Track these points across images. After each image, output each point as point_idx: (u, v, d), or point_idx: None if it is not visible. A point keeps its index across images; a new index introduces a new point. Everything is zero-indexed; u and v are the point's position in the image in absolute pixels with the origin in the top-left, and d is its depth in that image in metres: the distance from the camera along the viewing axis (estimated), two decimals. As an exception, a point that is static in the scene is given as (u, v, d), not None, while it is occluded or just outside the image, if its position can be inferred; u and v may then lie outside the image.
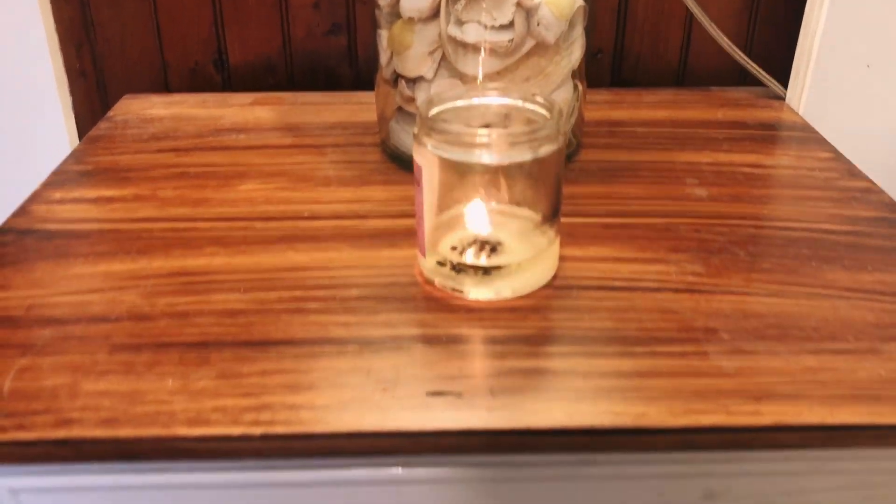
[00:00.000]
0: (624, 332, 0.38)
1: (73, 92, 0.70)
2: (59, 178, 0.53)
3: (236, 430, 0.32)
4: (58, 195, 0.51)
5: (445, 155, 0.37)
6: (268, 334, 0.38)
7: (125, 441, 0.32)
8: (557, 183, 0.40)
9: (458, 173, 0.39)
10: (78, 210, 0.49)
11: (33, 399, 0.34)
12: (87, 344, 0.37)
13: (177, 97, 0.67)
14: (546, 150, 0.37)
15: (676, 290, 0.41)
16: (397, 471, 0.35)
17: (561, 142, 0.38)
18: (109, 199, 0.50)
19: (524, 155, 0.37)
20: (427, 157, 0.38)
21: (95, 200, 0.50)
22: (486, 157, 0.37)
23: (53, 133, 0.69)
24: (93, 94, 0.71)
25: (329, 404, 0.33)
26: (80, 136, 0.71)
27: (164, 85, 0.71)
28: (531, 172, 0.38)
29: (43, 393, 0.34)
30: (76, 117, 0.71)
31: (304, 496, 0.36)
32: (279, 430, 0.32)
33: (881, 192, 0.50)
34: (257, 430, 0.32)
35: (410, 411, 0.33)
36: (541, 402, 0.33)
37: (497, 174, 0.39)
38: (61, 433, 0.32)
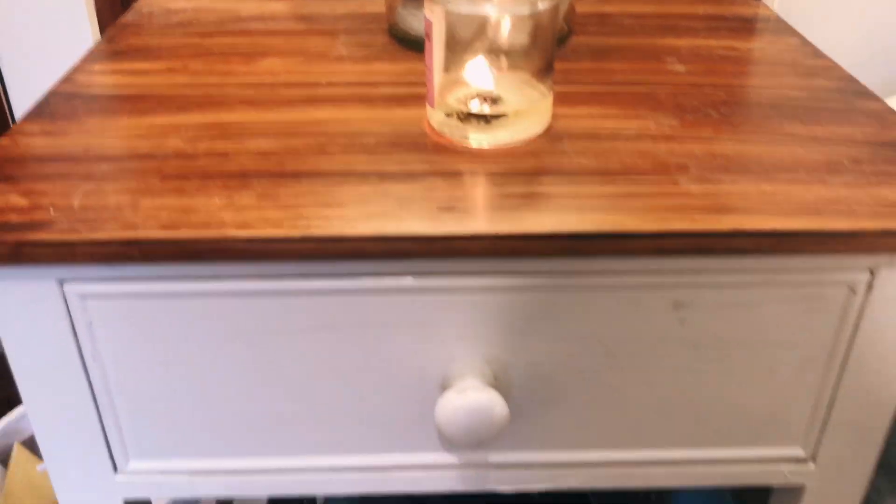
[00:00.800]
0: (607, 167, 0.43)
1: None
2: (95, 56, 0.58)
3: (279, 233, 0.38)
4: (97, 67, 0.56)
5: (453, 8, 0.42)
6: (299, 168, 0.43)
7: (184, 241, 0.38)
8: (551, 40, 0.45)
9: (463, 30, 0.44)
10: (117, 79, 0.54)
11: (101, 211, 0.39)
12: (141, 174, 0.43)
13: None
14: (543, 5, 0.43)
15: (654, 138, 0.46)
16: (408, 280, 0.41)
17: (555, 8, 0.44)
18: (145, 71, 0.55)
19: (523, 9, 0.42)
20: (437, 13, 0.43)
21: (132, 72, 0.55)
22: (490, 9, 0.42)
23: (77, 26, 0.74)
24: (113, -8, 0.75)
25: (356, 217, 0.39)
26: (101, 30, 0.75)
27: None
28: (528, 29, 0.44)
29: (108, 208, 0.40)
30: (98, 13, 0.75)
31: (332, 303, 0.42)
32: (315, 232, 0.38)
33: (841, 69, 0.56)
34: (297, 233, 0.38)
35: (425, 221, 0.39)
36: (535, 215, 0.39)
37: (497, 31, 0.44)
38: (129, 234, 0.38)
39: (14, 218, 0.39)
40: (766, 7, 0.69)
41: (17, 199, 0.40)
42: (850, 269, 0.42)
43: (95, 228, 0.38)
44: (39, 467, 0.82)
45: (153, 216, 0.39)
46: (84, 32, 0.73)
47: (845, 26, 0.70)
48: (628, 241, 0.39)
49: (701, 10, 0.68)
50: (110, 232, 0.38)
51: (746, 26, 0.64)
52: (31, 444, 0.84)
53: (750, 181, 0.42)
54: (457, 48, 0.45)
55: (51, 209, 0.39)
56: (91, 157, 0.44)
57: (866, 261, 0.41)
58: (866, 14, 0.71)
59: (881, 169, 0.43)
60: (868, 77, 0.65)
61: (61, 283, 0.41)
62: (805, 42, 0.61)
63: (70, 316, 0.42)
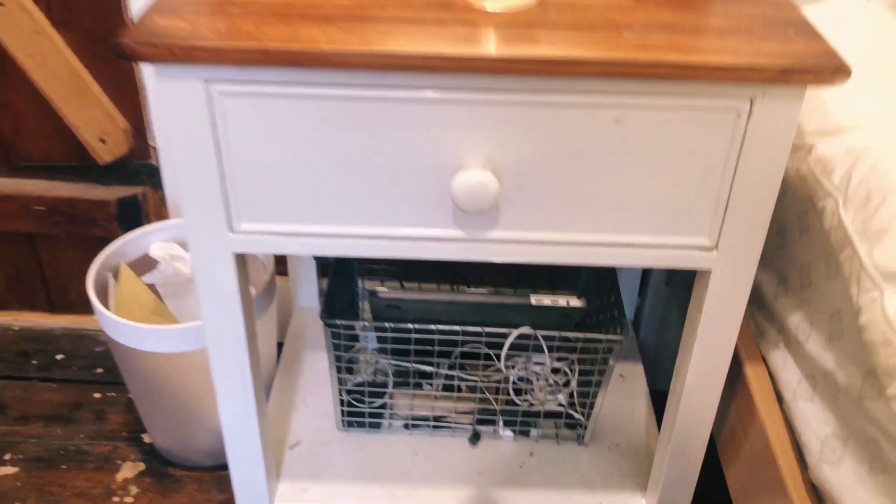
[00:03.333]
0: (576, 24, 0.63)
1: None
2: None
3: (352, 48, 0.58)
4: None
5: None
6: (366, 15, 0.63)
7: (291, 51, 0.58)
8: (543, -65, 0.64)
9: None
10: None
11: (237, 33, 0.60)
12: (261, 15, 0.63)
13: None
14: None
15: (614, 9, 0.66)
16: (432, 93, 0.61)
17: None
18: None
19: (523, -90, 0.62)
20: (465, -88, 0.63)
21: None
22: None
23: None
24: None
25: (403, 43, 0.59)
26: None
27: None
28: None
29: (241, 32, 0.60)
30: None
31: (384, 108, 0.62)
32: (375, 49, 0.58)
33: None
34: (364, 48, 0.58)
35: (449, 47, 0.59)
36: (523, 46, 0.59)
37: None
38: (255, 44, 0.58)
39: (181, 33, 0.59)
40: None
41: (181, 24, 0.61)
42: (735, 98, 0.61)
43: (233, 41, 0.59)
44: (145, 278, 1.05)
45: (272, 37, 0.59)
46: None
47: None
48: (583, 66, 0.59)
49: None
50: (243, 43, 0.59)
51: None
52: (133, 265, 1.06)
53: (673, 36, 0.62)
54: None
55: (204, 29, 0.60)
56: (228, 2, 0.65)
57: (746, 91, 0.61)
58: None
59: (766, 33, 0.63)
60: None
61: (207, 82, 0.61)
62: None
63: (211, 106, 0.63)
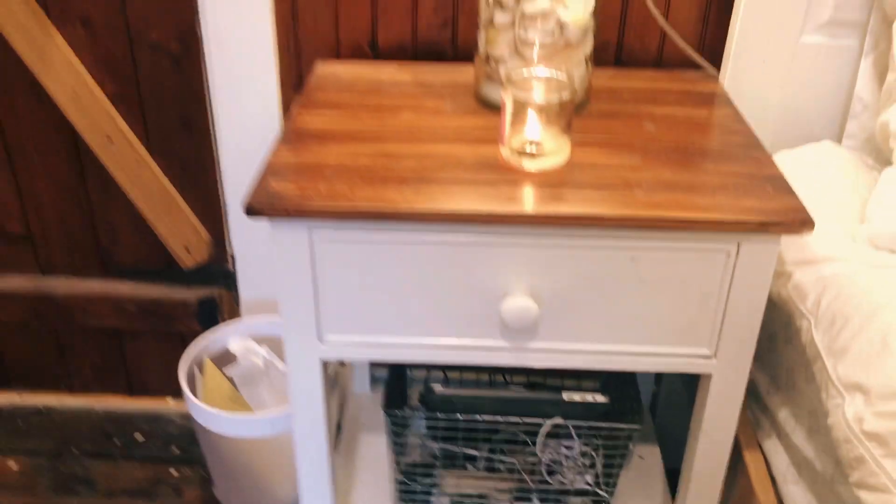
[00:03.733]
0: (597, 183, 0.80)
1: (280, 59, 1.14)
2: (299, 106, 0.97)
3: (422, 208, 0.76)
4: (304, 114, 0.95)
5: (516, 94, 0.80)
6: (429, 176, 0.81)
7: (375, 211, 0.76)
8: (571, 110, 0.82)
9: (521, 104, 0.81)
10: (320, 122, 0.93)
11: (332, 194, 0.77)
12: (349, 176, 0.81)
13: (348, 63, 1.10)
14: (565, 95, 0.80)
15: (626, 168, 0.83)
16: (490, 237, 0.78)
17: (573, 93, 0.81)
18: (334, 117, 0.94)
19: (554, 97, 0.80)
20: (508, 94, 0.81)
21: (326, 117, 0.94)
22: (537, 96, 0.80)
23: (266, 91, 1.13)
24: (292, 61, 1.14)
25: (462, 201, 0.77)
26: (283, 86, 1.15)
27: (337, 55, 1.14)
28: (557, 107, 0.81)
29: (336, 192, 0.78)
30: (281, 74, 1.14)
31: (449, 250, 0.79)
32: (440, 208, 0.76)
33: (750, 130, 0.92)
34: (431, 207, 0.76)
35: (498, 206, 0.76)
36: (556, 205, 0.76)
37: (541, 106, 0.81)
38: (347, 206, 0.76)
39: (292, 196, 0.77)
40: (719, 85, 1.05)
41: (291, 187, 0.79)
42: (725, 242, 0.78)
43: (332, 202, 0.76)
44: (226, 371, 1.21)
45: (362, 198, 0.77)
46: (271, 94, 1.13)
47: (770, 95, 1.06)
48: (603, 221, 0.76)
49: (676, 86, 1.04)
50: (340, 204, 0.76)
51: (703, 99, 1.01)
52: (216, 360, 1.23)
53: (674, 194, 0.79)
54: (517, 112, 0.82)
55: (310, 192, 0.78)
56: (322, 166, 0.83)
57: (734, 238, 0.77)
58: (784, 88, 1.07)
59: (749, 189, 0.80)
60: (781, 129, 1.02)
61: (310, 229, 0.79)
62: (736, 112, 0.97)
63: (312, 248, 0.80)
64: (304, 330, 0.85)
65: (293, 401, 0.91)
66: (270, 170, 0.82)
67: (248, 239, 1.26)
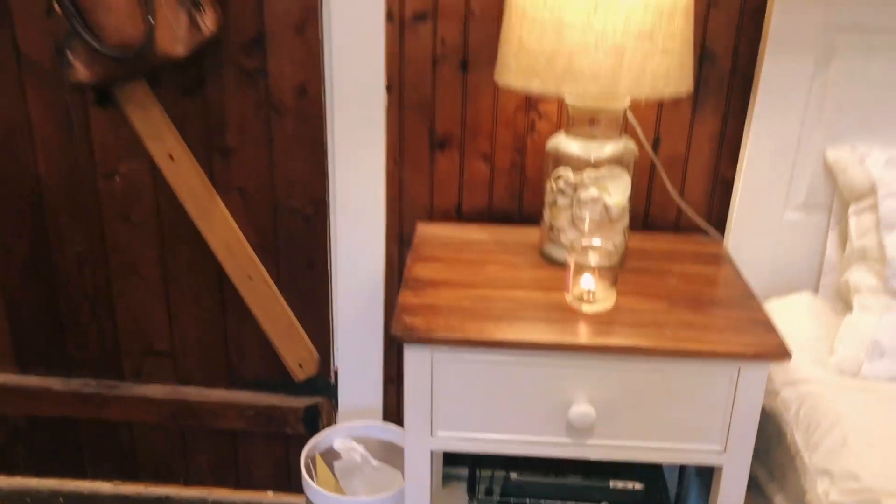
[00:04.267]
0: (635, 322, 1.13)
1: (388, 219, 1.50)
2: (412, 260, 1.31)
3: (508, 338, 1.08)
4: (417, 267, 1.29)
5: (577, 258, 1.14)
6: (510, 314, 1.14)
7: (479, 340, 1.08)
8: (616, 271, 1.16)
9: (580, 265, 1.15)
10: (429, 272, 1.27)
11: (446, 327, 1.10)
12: (456, 313, 1.14)
13: (440, 224, 1.46)
14: (612, 260, 1.14)
15: (656, 312, 1.16)
16: (557, 359, 1.10)
17: (618, 259, 1.15)
18: (437, 269, 1.28)
19: (605, 262, 1.14)
20: (571, 258, 1.15)
21: (432, 269, 1.28)
22: (592, 260, 1.14)
23: (375, 242, 1.49)
24: (396, 220, 1.50)
25: (535, 334, 1.09)
26: (388, 240, 1.50)
27: (430, 217, 1.50)
28: (606, 271, 1.15)
29: (449, 325, 1.11)
30: (387, 231, 1.50)
31: (528, 370, 1.11)
32: (523, 339, 1.08)
33: (746, 285, 1.25)
34: (515, 338, 1.08)
35: (564, 337, 1.09)
36: (606, 338, 1.09)
37: (595, 268, 1.15)
38: (459, 335, 1.08)
39: (422, 328, 1.10)
40: (723, 247, 1.39)
41: (420, 321, 1.12)
42: (729, 367, 1.09)
43: (450, 333, 1.09)
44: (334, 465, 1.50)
45: (470, 331, 1.10)
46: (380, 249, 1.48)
47: (762, 256, 1.40)
48: (642, 351, 1.08)
49: (690, 248, 1.38)
50: (455, 335, 1.09)
51: (711, 259, 1.35)
52: (325, 455, 1.52)
53: (693, 332, 1.11)
54: (577, 270, 1.16)
55: (434, 326, 1.10)
56: (438, 306, 1.16)
57: (735, 364, 1.09)
58: (773, 251, 1.40)
59: (746, 329, 1.12)
60: (770, 283, 1.35)
61: (432, 351, 1.11)
62: (736, 269, 1.31)
63: (431, 364, 1.12)
64: (421, 426, 1.16)
65: (408, 482, 1.20)
66: (402, 309, 1.16)
67: (349, 358, 1.58)
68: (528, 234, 1.42)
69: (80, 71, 1.27)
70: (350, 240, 1.50)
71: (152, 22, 1.23)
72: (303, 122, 1.46)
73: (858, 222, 1.26)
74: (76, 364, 1.67)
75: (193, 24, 1.28)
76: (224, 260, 1.54)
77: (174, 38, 1.26)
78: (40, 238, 1.57)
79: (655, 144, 1.43)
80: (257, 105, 1.45)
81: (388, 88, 1.41)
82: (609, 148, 1.24)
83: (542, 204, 1.32)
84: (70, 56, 1.26)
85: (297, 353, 1.61)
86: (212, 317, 1.62)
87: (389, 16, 1.37)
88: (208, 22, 1.29)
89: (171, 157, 1.47)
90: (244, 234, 1.54)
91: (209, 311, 1.61)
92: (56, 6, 1.25)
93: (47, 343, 1.66)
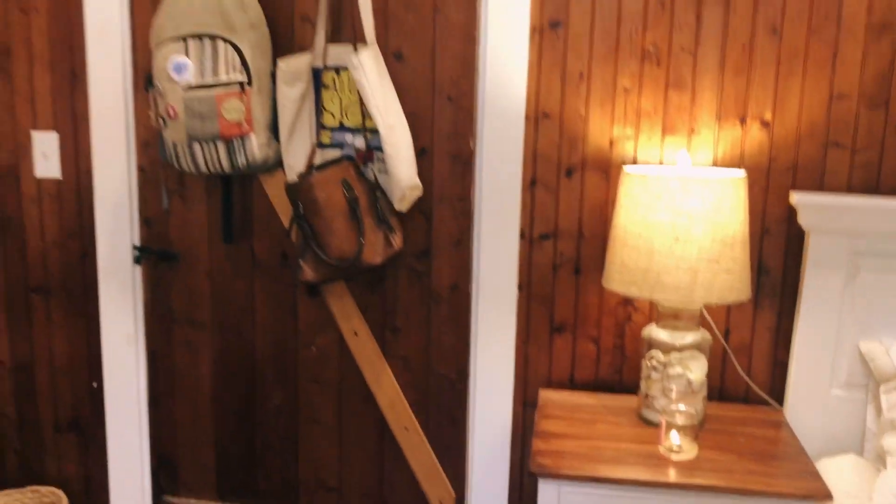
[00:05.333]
0: (713, 466, 1.51)
1: (515, 386, 1.94)
2: (540, 417, 1.74)
3: (640, 476, 1.48)
4: (546, 423, 1.71)
5: (667, 419, 1.55)
6: (624, 457, 1.54)
7: (610, 478, 1.49)
8: (697, 430, 1.56)
9: (670, 424, 1.55)
10: (558, 427, 1.69)
11: (572, 466, 1.51)
12: (584, 458, 1.55)
13: (556, 391, 1.89)
14: (694, 421, 1.55)
15: (727, 461, 1.54)
16: (653, 496, 1.49)
17: (698, 421, 1.55)
18: (568, 424, 1.70)
19: (688, 422, 1.54)
20: (663, 420, 1.55)
21: (562, 424, 1.70)
22: (679, 420, 1.54)
23: (504, 410, 1.92)
24: (521, 387, 1.94)
25: (643, 472, 1.49)
26: (514, 403, 1.93)
27: (549, 385, 1.93)
28: (690, 427, 1.55)
29: (577, 465, 1.51)
30: (514, 396, 1.93)
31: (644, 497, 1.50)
32: (638, 477, 1.48)
33: (798, 443, 1.62)
34: (626, 476, 1.48)
35: (661, 477, 1.48)
36: (689, 479, 1.47)
37: (680, 426, 1.55)
38: (587, 472, 1.49)
39: (549, 465, 1.51)
40: (783, 415, 1.77)
41: (548, 462, 1.53)
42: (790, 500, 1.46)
43: (571, 471, 1.50)
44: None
45: (585, 469, 1.50)
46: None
47: (815, 424, 1.76)
48: (717, 489, 1.45)
49: (756, 415, 1.77)
50: (577, 472, 1.49)
51: (772, 424, 1.72)
52: (461, 576, 1.88)
53: (757, 476, 1.48)
54: (668, 428, 1.56)
55: (558, 465, 1.51)
56: (561, 451, 1.57)
57: (789, 502, 1.45)
58: (823, 418, 1.77)
59: (799, 479, 1.48)
60: (822, 445, 1.71)
61: (559, 486, 1.51)
62: (792, 434, 1.68)
63: (559, 496, 1.52)
64: (549, 544, 1.54)
65: (537, 589, 1.56)
66: (536, 453, 1.57)
67: (481, 498, 1.97)
68: (628, 400, 1.83)
69: (308, 273, 1.80)
70: (485, 401, 1.94)
71: (362, 241, 1.76)
72: (453, 309, 1.95)
73: (888, 399, 1.63)
74: (263, 494, 2.12)
75: (387, 242, 1.81)
76: (387, 414, 2.00)
77: (375, 252, 1.79)
78: (248, 393, 2.07)
79: (726, 334, 1.85)
80: (421, 296, 1.96)
81: (520, 287, 1.90)
82: (690, 337, 1.67)
83: (638, 377, 1.74)
84: (302, 263, 1.80)
85: (438, 493, 2.01)
86: (373, 459, 2.05)
87: (522, 234, 1.88)
88: (397, 240, 1.82)
89: (355, 333, 1.97)
90: (404, 394, 2.00)
91: (371, 455, 2.05)
92: (295, 229, 1.81)
93: (243, 476, 2.12)
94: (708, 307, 1.83)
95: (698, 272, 1.56)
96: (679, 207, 1.56)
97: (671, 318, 1.70)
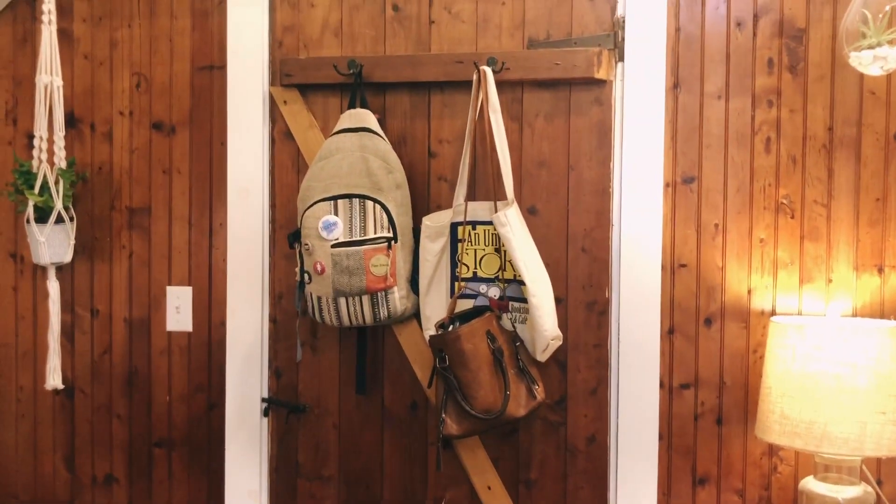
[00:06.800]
0: None
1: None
2: None
3: None
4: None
5: None
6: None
7: None
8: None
9: None
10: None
11: None
12: None
13: None
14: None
15: None
16: None
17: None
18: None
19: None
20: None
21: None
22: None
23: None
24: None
25: None
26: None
27: None
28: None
29: None
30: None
31: None
32: None
33: None
34: None
35: None
36: None
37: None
38: None
39: None
40: None
41: None
42: None
43: None
44: None
45: None
46: None
47: None
48: None
49: None
50: None
51: None
52: None
53: None
54: None
55: None
56: None
57: None
58: None
59: None
60: None
61: None
62: None
63: None
64: None
65: None
66: None
67: None
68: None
69: (451, 426, 1.79)
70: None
71: (508, 394, 1.76)
72: (591, 462, 1.92)
73: None
74: None
75: (530, 394, 1.81)
76: None
77: (518, 405, 1.78)
78: (373, 550, 2.01)
79: (879, 484, 1.80)
80: (557, 448, 1.93)
81: (660, 437, 1.87)
82: (852, 491, 1.63)
83: (798, 533, 1.68)
84: (444, 416, 1.79)
85: None
86: None
87: (661, 384, 1.87)
88: (540, 392, 1.82)
89: (489, 487, 1.93)
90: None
91: None
92: (436, 381, 1.82)
93: None
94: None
95: (867, 424, 1.54)
96: (841, 358, 1.56)
97: (824, 469, 1.66)
